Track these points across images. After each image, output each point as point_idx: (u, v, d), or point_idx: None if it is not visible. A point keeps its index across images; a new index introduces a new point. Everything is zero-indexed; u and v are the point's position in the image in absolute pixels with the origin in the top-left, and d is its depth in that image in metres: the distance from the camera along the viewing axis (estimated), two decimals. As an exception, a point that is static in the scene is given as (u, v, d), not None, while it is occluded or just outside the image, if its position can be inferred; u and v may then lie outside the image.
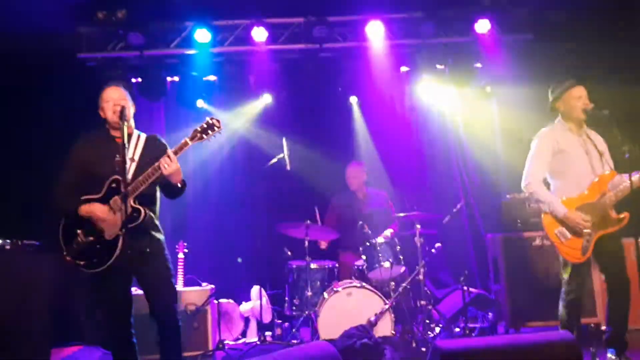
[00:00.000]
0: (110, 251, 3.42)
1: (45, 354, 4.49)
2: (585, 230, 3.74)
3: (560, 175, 3.93)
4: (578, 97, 3.92)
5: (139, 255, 3.48)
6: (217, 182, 6.51)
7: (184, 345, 4.72)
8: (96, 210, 3.45)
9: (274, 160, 5.43)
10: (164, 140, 3.77)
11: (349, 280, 5.05)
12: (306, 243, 5.19)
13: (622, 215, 3.81)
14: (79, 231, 3.49)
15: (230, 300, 5.77)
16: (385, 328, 4.67)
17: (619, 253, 3.87)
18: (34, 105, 5.74)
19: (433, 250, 5.26)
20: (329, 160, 6.40)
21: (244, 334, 5.79)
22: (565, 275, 3.87)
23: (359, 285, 4.85)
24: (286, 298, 5.39)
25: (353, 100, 6.65)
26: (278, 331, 5.60)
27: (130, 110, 3.65)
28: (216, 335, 5.22)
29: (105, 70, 5.85)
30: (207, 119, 3.52)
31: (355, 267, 5.23)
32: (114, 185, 3.47)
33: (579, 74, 4.09)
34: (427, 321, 4.95)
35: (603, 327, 4.80)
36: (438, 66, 6.30)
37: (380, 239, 5.11)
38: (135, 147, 3.62)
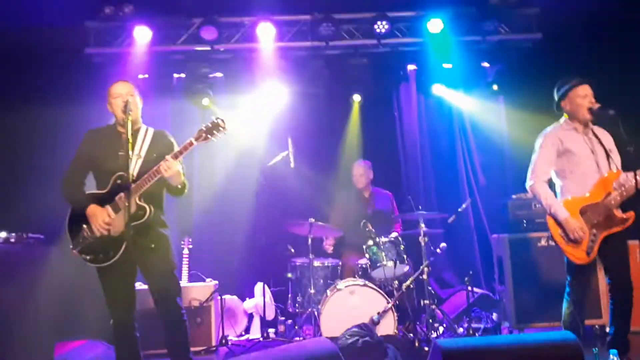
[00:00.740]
0: (116, 248, 3.44)
1: (49, 348, 4.51)
2: (586, 233, 3.71)
3: (567, 175, 3.90)
4: (583, 95, 3.88)
5: (144, 251, 3.50)
6: (222, 179, 6.52)
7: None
8: (98, 218, 3.45)
9: (279, 157, 5.42)
10: (171, 138, 3.77)
11: (352, 279, 5.04)
12: (309, 241, 5.19)
13: (627, 215, 3.77)
14: (85, 226, 3.50)
15: (234, 297, 5.79)
16: (387, 327, 4.67)
17: (624, 255, 3.84)
18: (40, 99, 5.76)
19: (438, 250, 5.24)
20: (335, 159, 6.40)
21: (247, 330, 5.81)
22: (570, 276, 3.84)
23: (362, 283, 4.84)
24: (289, 295, 5.39)
25: (356, 98, 6.64)
26: (281, 328, 5.61)
27: (138, 105, 3.66)
28: (219, 331, 5.23)
29: (112, 66, 5.87)
30: (213, 118, 3.52)
31: (359, 265, 5.22)
32: (119, 181, 3.48)
33: (586, 73, 4.05)
34: (431, 321, 4.93)
35: (608, 329, 4.78)
36: (445, 65, 6.31)
37: (384, 238, 5.10)
38: (142, 143, 3.63)
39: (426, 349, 4.57)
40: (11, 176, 5.64)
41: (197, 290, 5.20)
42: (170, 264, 3.63)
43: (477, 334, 5.08)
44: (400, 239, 5.15)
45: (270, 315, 5.66)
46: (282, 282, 5.77)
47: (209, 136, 3.48)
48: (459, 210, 5.49)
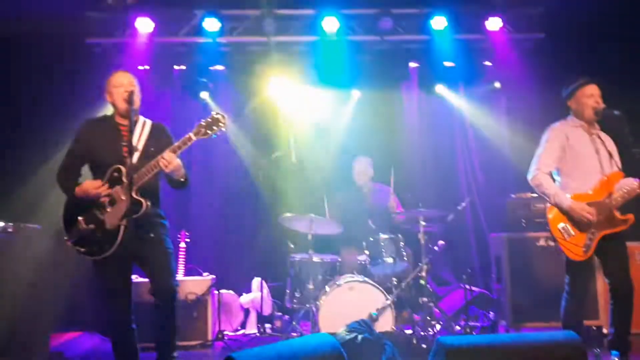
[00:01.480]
0: (111, 240, 3.38)
1: (45, 339, 4.49)
2: (589, 225, 3.70)
3: (569, 172, 3.89)
4: (590, 95, 3.87)
5: (141, 241, 3.44)
6: (221, 172, 6.49)
7: (184, 334, 4.75)
8: (88, 187, 3.41)
9: (280, 152, 5.40)
10: (169, 132, 3.71)
11: (351, 275, 5.03)
12: (309, 236, 5.17)
13: (626, 217, 3.78)
14: (80, 218, 3.45)
15: (231, 291, 5.76)
16: (386, 323, 4.66)
17: (623, 256, 3.84)
18: (40, 89, 5.72)
19: (436, 248, 5.23)
20: (335, 154, 6.37)
21: (243, 325, 5.78)
22: (569, 276, 3.84)
23: (361, 280, 4.83)
24: (287, 291, 5.37)
25: (356, 94, 6.62)
26: (278, 323, 5.58)
27: (138, 97, 3.62)
28: (216, 325, 5.21)
29: (113, 56, 5.83)
30: (212, 113, 3.42)
31: (358, 262, 5.21)
32: (115, 174, 3.43)
33: (589, 74, 4.04)
34: (428, 318, 4.93)
35: (605, 330, 4.79)
36: (446, 63, 6.29)
37: (384, 235, 5.09)
38: (140, 135, 3.56)
39: (424, 346, 4.57)
40: (9, 166, 5.61)
41: (193, 284, 5.16)
42: (167, 251, 3.54)
43: (474, 333, 5.09)
44: (400, 235, 5.14)
45: (267, 310, 5.64)
46: (279, 277, 5.75)
47: (208, 132, 3.38)
48: (458, 208, 5.48)
